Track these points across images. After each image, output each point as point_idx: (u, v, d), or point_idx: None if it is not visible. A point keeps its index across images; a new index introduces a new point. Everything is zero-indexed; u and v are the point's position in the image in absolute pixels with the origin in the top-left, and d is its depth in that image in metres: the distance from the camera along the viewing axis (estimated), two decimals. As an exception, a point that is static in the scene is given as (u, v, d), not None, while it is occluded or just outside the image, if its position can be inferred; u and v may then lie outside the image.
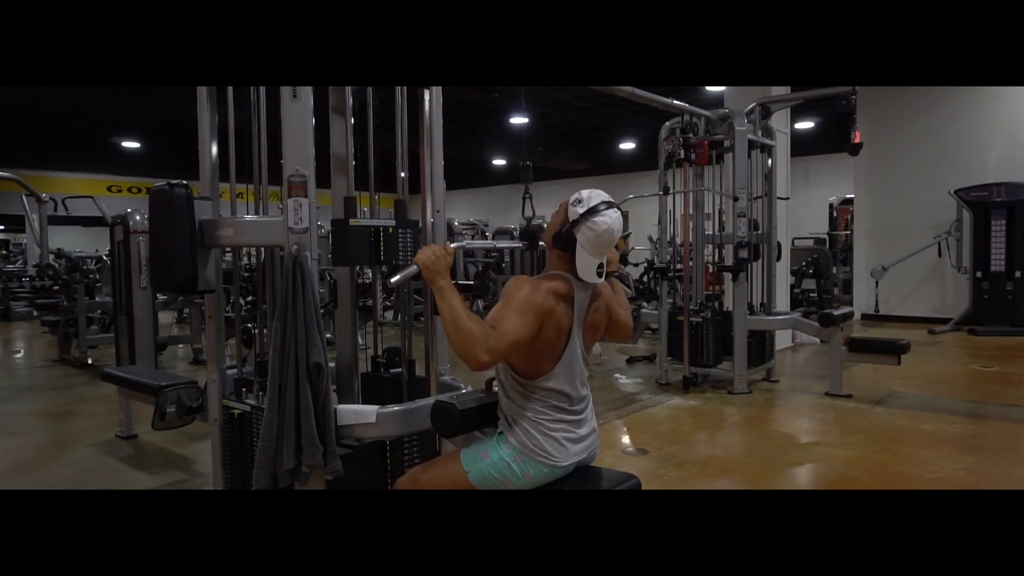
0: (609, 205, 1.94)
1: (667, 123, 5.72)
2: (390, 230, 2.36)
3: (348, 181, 2.50)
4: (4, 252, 15.50)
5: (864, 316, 9.88)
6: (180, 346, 7.92)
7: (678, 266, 5.89)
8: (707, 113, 5.51)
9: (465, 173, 17.63)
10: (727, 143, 5.49)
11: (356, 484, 2.32)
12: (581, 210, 1.92)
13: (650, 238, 12.13)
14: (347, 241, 2.28)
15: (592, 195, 1.95)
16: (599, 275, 1.96)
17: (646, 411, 4.93)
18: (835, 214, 12.24)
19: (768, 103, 5.84)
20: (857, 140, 5.21)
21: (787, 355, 7.18)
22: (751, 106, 5.72)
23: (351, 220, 2.28)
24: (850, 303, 9.90)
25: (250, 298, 5.62)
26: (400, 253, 2.42)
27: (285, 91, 2.18)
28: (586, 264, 1.94)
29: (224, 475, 2.66)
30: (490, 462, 1.95)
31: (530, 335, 1.84)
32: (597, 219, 1.91)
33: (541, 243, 2.18)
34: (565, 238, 1.94)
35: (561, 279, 1.95)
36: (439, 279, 1.90)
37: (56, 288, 8.17)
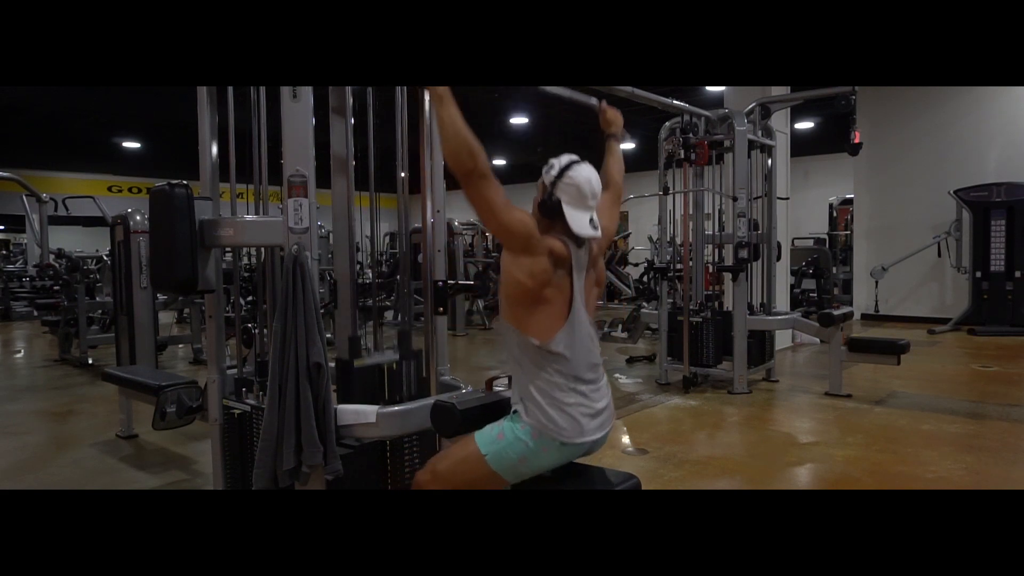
0: (579, 162, 1.97)
1: (667, 123, 5.72)
2: (394, 366, 2.40)
3: (348, 181, 2.51)
4: (4, 252, 15.49)
5: (864, 316, 9.88)
6: (180, 346, 7.92)
7: (678, 266, 5.89)
8: (707, 113, 5.51)
9: (465, 173, 17.58)
10: (727, 143, 5.49)
11: (356, 484, 2.32)
12: (555, 172, 1.95)
13: (650, 238, 12.14)
14: (351, 382, 2.35)
15: (561, 158, 1.98)
16: (593, 227, 1.96)
17: (646, 411, 4.93)
18: (835, 214, 12.24)
19: (768, 103, 5.84)
20: (857, 140, 5.21)
21: (787, 355, 7.18)
22: (751, 106, 5.72)
23: (355, 360, 2.36)
24: (850, 303, 9.91)
25: (250, 298, 5.62)
26: (404, 387, 2.51)
27: (285, 91, 2.18)
28: (577, 219, 1.94)
29: (224, 475, 2.66)
30: (506, 442, 1.93)
31: (505, 222, 1.84)
32: (572, 172, 1.93)
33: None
34: (550, 205, 1.94)
35: (557, 239, 1.94)
36: (438, 86, 1.89)
37: (56, 288, 8.18)
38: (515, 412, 1.99)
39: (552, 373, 1.92)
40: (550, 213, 1.94)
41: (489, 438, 1.97)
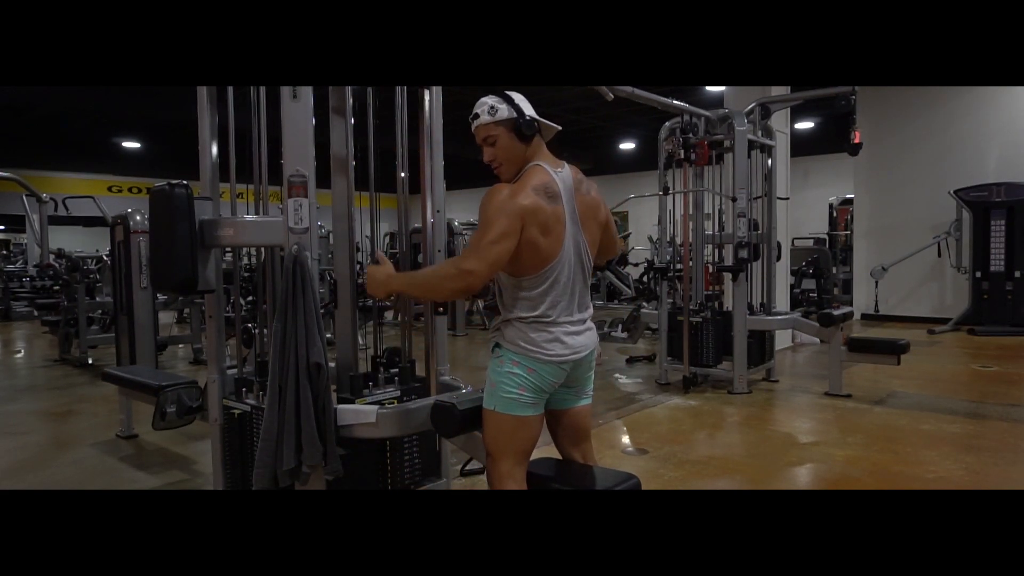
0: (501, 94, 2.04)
1: (667, 123, 5.72)
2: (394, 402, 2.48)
3: (348, 181, 2.51)
4: (4, 252, 15.50)
5: (864, 316, 9.88)
6: (180, 346, 7.92)
7: (678, 266, 5.89)
8: (707, 113, 5.51)
9: (465, 173, 17.61)
10: (727, 143, 5.49)
11: (356, 484, 2.32)
12: (508, 104, 1.99)
13: (650, 238, 12.14)
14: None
15: (496, 101, 2.00)
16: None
17: (646, 411, 4.94)
18: (835, 214, 12.24)
19: (768, 103, 5.84)
20: (857, 140, 5.21)
21: (787, 355, 7.18)
22: (751, 106, 5.72)
23: (357, 400, 2.42)
24: (850, 303, 9.91)
25: (250, 298, 5.62)
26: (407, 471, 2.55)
27: (285, 91, 2.18)
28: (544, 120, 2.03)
29: (224, 475, 2.66)
30: (499, 386, 2.01)
31: (513, 245, 1.88)
32: (514, 95, 2.01)
33: None
34: (529, 124, 1.98)
35: (539, 170, 2.00)
36: (391, 285, 2.03)
37: (57, 288, 8.18)
38: (496, 346, 2.06)
39: (535, 305, 1.98)
40: (531, 129, 1.99)
41: (488, 395, 2.05)
